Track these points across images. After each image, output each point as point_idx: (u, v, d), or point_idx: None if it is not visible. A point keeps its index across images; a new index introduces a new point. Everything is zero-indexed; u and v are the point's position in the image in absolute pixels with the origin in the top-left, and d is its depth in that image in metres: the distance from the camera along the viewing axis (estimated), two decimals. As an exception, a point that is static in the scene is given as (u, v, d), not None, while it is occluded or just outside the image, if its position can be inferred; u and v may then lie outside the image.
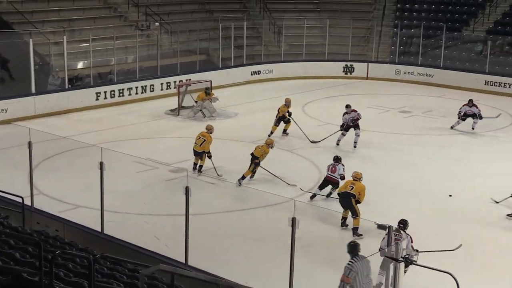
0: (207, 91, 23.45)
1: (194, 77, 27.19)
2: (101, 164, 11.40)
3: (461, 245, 11.78)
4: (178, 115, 23.71)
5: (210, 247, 12.57)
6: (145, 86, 26.34)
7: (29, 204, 12.76)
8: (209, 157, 16.82)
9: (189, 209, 10.57)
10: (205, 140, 16.87)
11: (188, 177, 11.60)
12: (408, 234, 10.88)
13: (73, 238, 10.88)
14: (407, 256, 8.06)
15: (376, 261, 8.64)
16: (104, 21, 29.06)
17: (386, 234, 9.53)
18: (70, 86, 24.59)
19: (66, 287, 7.43)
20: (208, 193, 15.61)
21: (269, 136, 19.64)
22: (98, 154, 11.62)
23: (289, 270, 9.40)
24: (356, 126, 19.64)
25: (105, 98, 24.91)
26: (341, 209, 13.63)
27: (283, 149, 19.32)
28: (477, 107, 22.06)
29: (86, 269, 7.75)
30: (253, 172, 16.40)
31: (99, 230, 11.95)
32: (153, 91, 26.51)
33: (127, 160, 16.91)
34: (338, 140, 19.76)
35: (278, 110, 20.78)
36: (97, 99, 24.68)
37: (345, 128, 19.78)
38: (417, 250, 10.76)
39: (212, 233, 13.34)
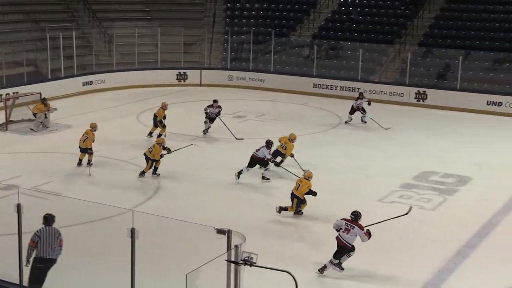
0: (44, 102, 22.70)
1: (22, 89, 26.07)
2: None
3: (411, 207, 13.35)
4: (6, 130, 22.62)
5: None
6: (-31, 101, 24.90)
7: None
8: (90, 153, 18.28)
9: (22, 227, 10.11)
10: (87, 138, 18.22)
11: (20, 194, 11.07)
12: (360, 224, 12.18)
13: None
14: (246, 258, 8.16)
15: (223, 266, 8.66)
16: None
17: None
18: None
19: None
20: (42, 210, 14.99)
21: (150, 135, 21.49)
22: None
23: (130, 283, 9.25)
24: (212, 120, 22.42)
25: None
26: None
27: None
28: (361, 99, 24.23)
29: None
30: (155, 168, 17.77)
31: None
32: (-23, 106, 25.12)
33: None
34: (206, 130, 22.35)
35: (155, 114, 21.58)
36: None
37: (209, 120, 22.29)
38: (370, 234, 12.18)
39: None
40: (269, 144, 17.69)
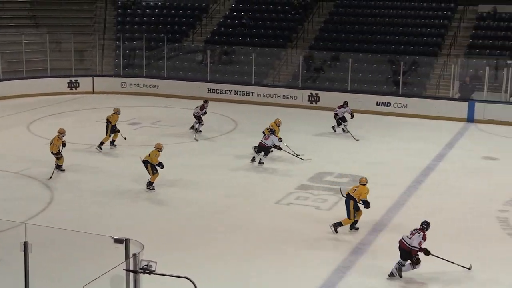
0: None
1: None
2: None
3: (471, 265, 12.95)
4: None
5: None
6: None
7: None
8: (58, 158, 18.49)
9: None
10: (52, 143, 18.56)
11: None
12: (424, 234, 12.41)
13: None
14: (145, 266, 8.06)
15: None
16: None
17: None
18: None
19: None
20: None
21: (100, 148, 20.76)
22: None
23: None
24: None
25: None
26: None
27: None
28: (345, 108, 23.73)
29: None
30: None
31: None
32: None
33: None
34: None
35: (108, 121, 20.88)
36: None
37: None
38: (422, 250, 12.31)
39: None
40: (274, 132, 19.92)
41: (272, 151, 20.06)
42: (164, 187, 17.52)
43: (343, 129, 23.86)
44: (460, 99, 28.39)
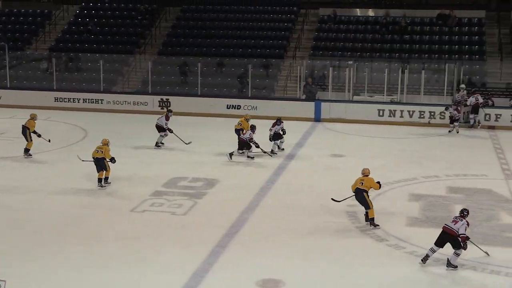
0: None
1: None
2: None
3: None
4: None
5: None
6: None
7: None
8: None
9: None
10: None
11: None
12: (467, 221, 13.00)
13: None
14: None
15: None
16: None
17: None
18: None
19: None
20: None
21: (28, 154, 20.91)
22: None
23: None
24: None
25: None
26: None
27: None
28: (278, 125, 22.11)
29: None
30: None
31: None
32: None
33: None
34: None
35: (25, 127, 21.07)
36: None
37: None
38: (467, 237, 12.89)
39: None
40: (253, 128, 21.40)
41: (255, 143, 21.25)
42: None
43: (278, 146, 22.47)
44: (307, 99, 29.38)
